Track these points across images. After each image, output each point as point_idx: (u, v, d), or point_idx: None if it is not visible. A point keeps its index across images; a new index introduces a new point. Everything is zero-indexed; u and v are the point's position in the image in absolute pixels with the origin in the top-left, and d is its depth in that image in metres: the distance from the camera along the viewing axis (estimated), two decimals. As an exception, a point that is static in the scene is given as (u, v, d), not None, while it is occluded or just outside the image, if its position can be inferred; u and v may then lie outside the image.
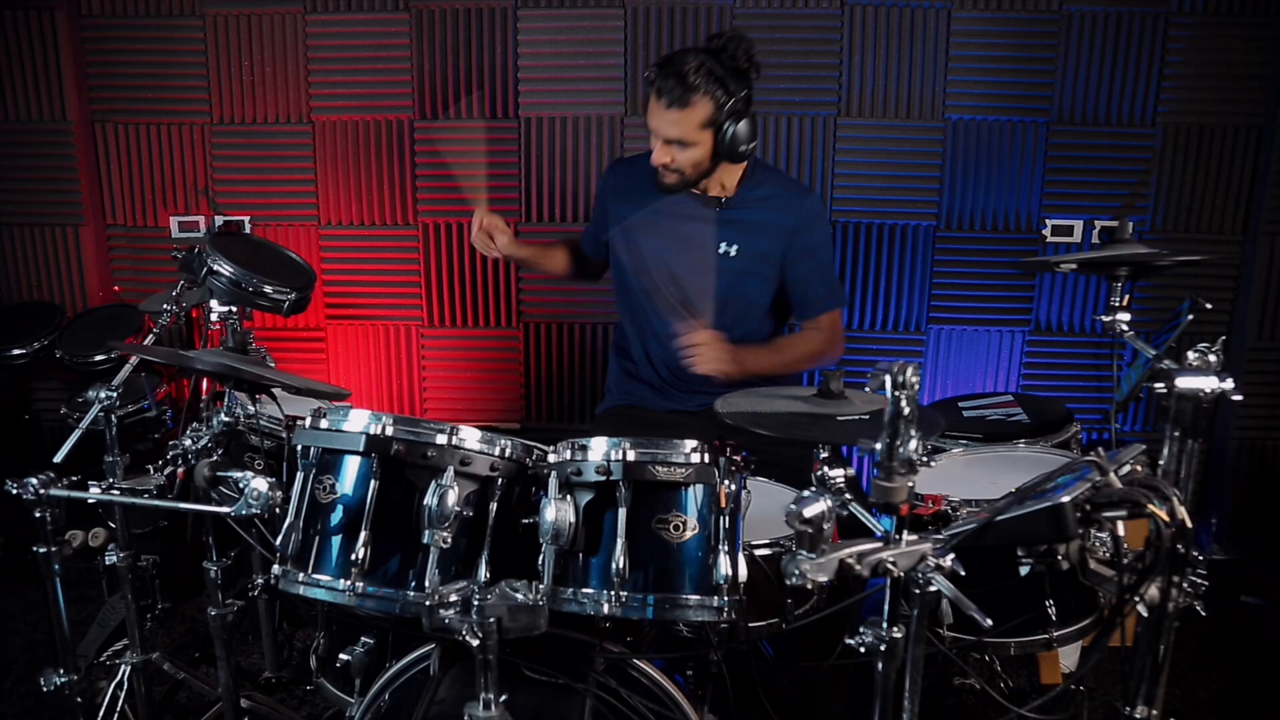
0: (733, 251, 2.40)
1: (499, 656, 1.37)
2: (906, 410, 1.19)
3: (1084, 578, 1.47)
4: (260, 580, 2.36)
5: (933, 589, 1.24)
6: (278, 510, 1.62)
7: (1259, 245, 3.26)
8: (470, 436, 1.59)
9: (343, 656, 1.77)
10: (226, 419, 1.95)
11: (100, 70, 3.41)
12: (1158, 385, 1.47)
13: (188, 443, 1.92)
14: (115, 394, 2.01)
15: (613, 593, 1.52)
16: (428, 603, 1.41)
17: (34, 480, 1.77)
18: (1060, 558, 1.45)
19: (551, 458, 1.62)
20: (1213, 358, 1.44)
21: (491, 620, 1.34)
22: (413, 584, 1.56)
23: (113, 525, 2.05)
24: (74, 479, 1.83)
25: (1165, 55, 3.20)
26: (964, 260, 3.38)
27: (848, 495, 1.61)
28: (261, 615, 2.48)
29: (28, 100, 3.39)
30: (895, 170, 3.33)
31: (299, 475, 1.63)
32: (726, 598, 1.54)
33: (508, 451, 1.62)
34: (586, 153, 3.37)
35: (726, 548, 1.56)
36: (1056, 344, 3.42)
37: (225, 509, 1.68)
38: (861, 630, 1.29)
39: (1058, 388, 3.41)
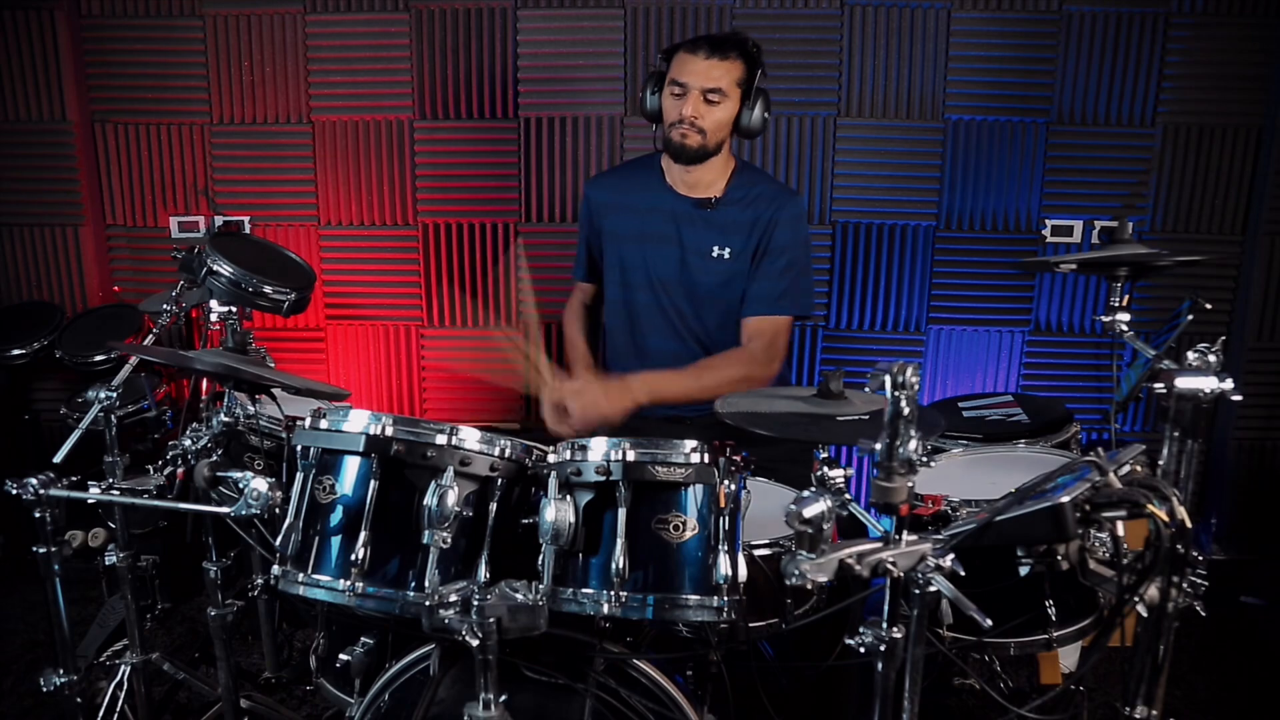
0: (726, 254, 2.39)
1: (499, 656, 1.36)
2: (906, 410, 1.19)
3: (1084, 578, 1.47)
4: (260, 580, 2.36)
5: (933, 589, 1.24)
6: (277, 510, 1.62)
7: (1259, 245, 3.26)
8: (470, 436, 1.59)
9: (343, 656, 1.76)
10: (226, 419, 1.95)
11: (100, 70, 3.41)
12: (1157, 385, 1.47)
13: (187, 443, 1.92)
14: (115, 394, 2.01)
15: (612, 593, 1.52)
16: (428, 603, 1.41)
17: (34, 480, 1.76)
18: (1060, 558, 1.45)
19: (551, 458, 1.62)
20: (1213, 358, 1.44)
21: (491, 620, 1.33)
22: (413, 584, 1.56)
23: (113, 525, 2.05)
24: (74, 479, 1.82)
25: (1165, 55, 3.19)
26: (964, 260, 3.38)
27: (848, 495, 1.61)
28: (261, 615, 2.48)
29: (28, 100, 3.39)
30: (895, 170, 3.33)
31: (299, 475, 1.63)
32: (726, 598, 1.54)
33: (507, 451, 1.62)
34: (586, 153, 3.37)
35: (726, 548, 1.56)
36: (1056, 344, 3.42)
37: (225, 509, 1.68)
38: (861, 630, 1.29)
39: (1058, 388, 3.41)
